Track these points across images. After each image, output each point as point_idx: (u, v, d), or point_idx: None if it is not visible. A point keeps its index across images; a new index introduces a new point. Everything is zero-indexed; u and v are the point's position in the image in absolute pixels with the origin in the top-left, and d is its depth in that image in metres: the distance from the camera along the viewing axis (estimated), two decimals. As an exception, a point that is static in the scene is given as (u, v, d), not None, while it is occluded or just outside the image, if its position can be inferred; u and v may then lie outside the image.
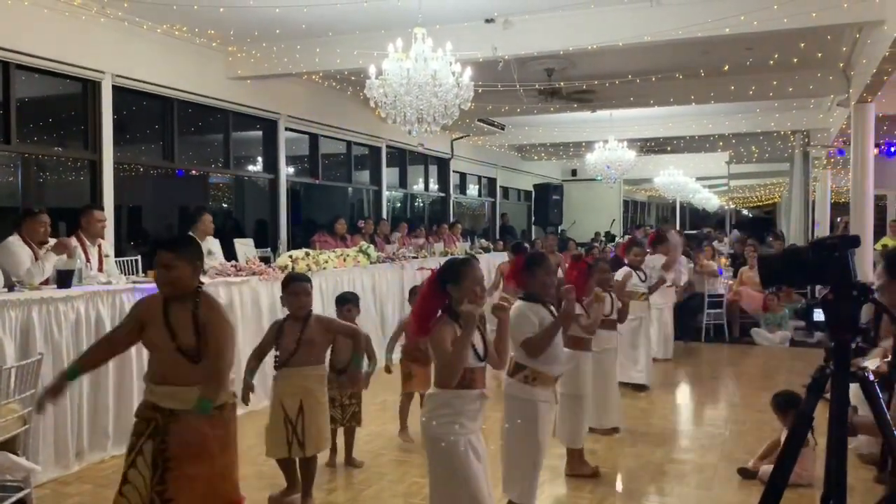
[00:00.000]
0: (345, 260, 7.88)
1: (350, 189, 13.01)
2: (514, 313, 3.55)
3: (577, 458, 4.66)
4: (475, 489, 2.89)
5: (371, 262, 8.30)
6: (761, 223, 26.05)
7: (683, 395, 7.35)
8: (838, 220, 16.60)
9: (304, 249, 7.55)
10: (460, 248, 11.24)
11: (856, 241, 2.04)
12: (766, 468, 4.45)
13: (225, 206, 12.95)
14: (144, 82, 7.84)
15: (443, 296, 2.98)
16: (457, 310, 2.96)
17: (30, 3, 6.46)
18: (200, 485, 2.97)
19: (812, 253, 2.11)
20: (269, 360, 4.27)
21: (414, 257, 9.40)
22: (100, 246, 5.87)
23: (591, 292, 4.57)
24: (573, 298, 3.61)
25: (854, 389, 2.16)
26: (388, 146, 12.89)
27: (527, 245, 9.11)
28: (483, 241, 13.41)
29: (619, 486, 4.57)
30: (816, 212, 17.01)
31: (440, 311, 3.01)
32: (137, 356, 4.87)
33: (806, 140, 15.64)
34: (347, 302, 5.03)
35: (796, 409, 2.32)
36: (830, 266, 2.04)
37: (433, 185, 15.31)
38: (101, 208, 6.25)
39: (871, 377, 2.09)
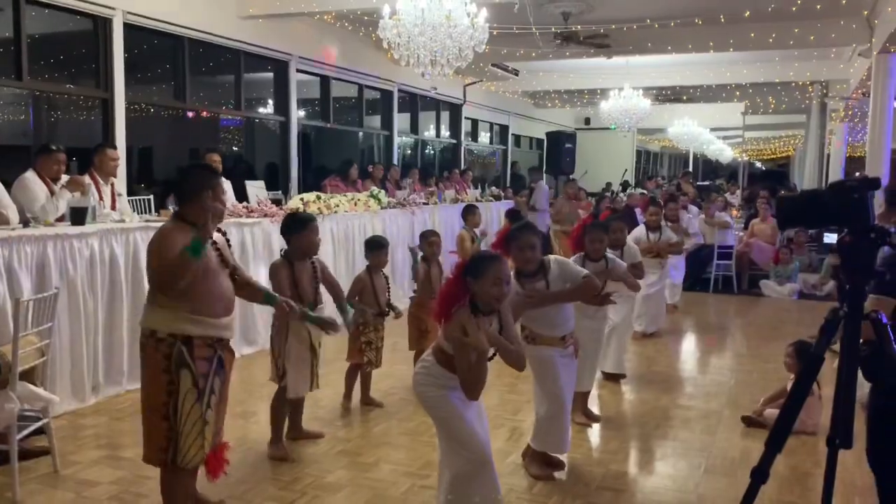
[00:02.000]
0: (356, 204, 7.89)
1: (361, 134, 12.91)
2: None
3: (579, 401, 4.68)
4: (469, 430, 2.91)
5: (382, 208, 8.29)
6: (775, 176, 25.81)
7: (690, 343, 7.40)
8: (856, 174, 16.43)
9: (316, 193, 7.55)
10: (471, 196, 11.21)
11: (876, 184, 2.01)
12: (772, 412, 4.50)
13: (235, 148, 12.88)
14: (155, 20, 7.73)
15: (466, 287, 2.90)
16: (478, 304, 2.89)
17: (39, -65, 6.36)
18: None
19: (831, 194, 2.10)
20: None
21: (425, 203, 9.38)
22: (112, 185, 5.87)
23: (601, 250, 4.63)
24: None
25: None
26: (399, 90, 12.75)
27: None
28: (494, 188, 13.34)
29: (623, 431, 4.64)
30: (831, 165, 16.80)
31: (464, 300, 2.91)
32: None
33: (824, 91, 15.37)
34: (383, 247, 4.94)
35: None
36: (849, 208, 2.03)
37: (444, 132, 15.17)
38: (114, 147, 6.23)
39: (885, 320, 2.09)
